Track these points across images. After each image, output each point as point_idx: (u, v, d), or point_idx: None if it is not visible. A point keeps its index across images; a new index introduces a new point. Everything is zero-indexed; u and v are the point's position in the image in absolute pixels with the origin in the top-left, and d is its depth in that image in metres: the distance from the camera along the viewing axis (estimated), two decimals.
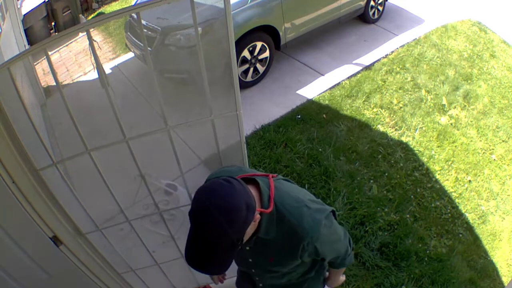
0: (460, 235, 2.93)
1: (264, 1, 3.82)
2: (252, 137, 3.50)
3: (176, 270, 2.06)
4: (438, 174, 3.34)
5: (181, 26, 3.52)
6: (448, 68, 4.51)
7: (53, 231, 1.44)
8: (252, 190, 1.03)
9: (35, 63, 4.33)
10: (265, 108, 3.87)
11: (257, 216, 1.01)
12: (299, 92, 4.08)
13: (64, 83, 4.59)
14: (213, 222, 0.90)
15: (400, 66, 4.45)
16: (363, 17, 5.09)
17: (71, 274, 1.61)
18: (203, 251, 0.93)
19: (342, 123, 3.69)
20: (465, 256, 2.80)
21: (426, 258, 2.71)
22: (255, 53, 3.95)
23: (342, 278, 1.55)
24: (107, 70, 4.57)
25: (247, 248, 1.15)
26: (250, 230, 1.02)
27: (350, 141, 3.51)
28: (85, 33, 1.10)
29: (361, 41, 4.86)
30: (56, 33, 5.65)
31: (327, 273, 1.50)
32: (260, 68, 4.12)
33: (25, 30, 4.59)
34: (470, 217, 3.08)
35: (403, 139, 3.62)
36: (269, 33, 4.00)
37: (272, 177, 1.12)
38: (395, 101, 4.00)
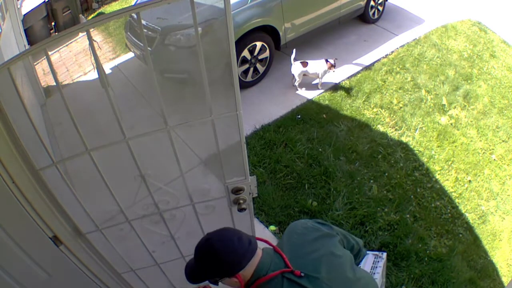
0: (460, 235, 2.93)
1: (264, 1, 3.82)
2: (252, 137, 3.50)
3: (176, 270, 2.06)
4: (438, 174, 3.34)
5: (181, 26, 3.52)
6: (448, 68, 4.51)
7: (53, 231, 1.44)
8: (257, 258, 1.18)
9: (35, 63, 4.34)
10: (265, 108, 3.87)
11: (234, 280, 1.16)
12: (299, 92, 4.08)
13: (64, 83, 4.59)
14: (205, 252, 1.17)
15: (400, 66, 4.45)
16: (363, 17, 5.09)
17: (71, 274, 1.61)
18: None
19: (342, 123, 3.69)
20: (465, 256, 2.80)
21: (426, 258, 2.71)
22: (255, 53, 3.95)
23: None
24: (107, 70, 4.57)
25: None
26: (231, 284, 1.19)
27: (350, 141, 3.52)
28: (85, 33, 1.10)
29: (361, 41, 4.86)
30: (56, 33, 5.65)
31: None
32: (260, 68, 4.12)
33: (25, 30, 4.59)
34: (470, 217, 3.08)
35: (403, 139, 3.62)
36: (269, 33, 4.00)
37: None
38: (395, 101, 4.00)
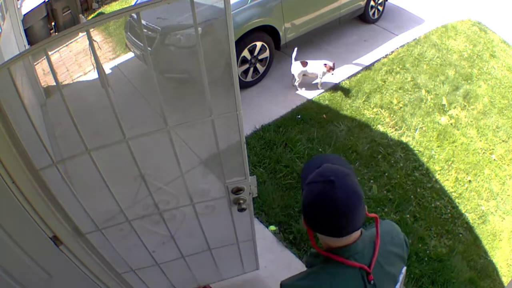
0: (460, 235, 2.93)
1: (264, 1, 3.82)
2: (252, 137, 3.50)
3: (176, 270, 2.06)
4: (438, 174, 3.34)
5: (181, 26, 3.52)
6: (448, 68, 4.51)
7: (53, 231, 1.44)
8: None
9: (35, 63, 4.33)
10: (265, 108, 3.87)
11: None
12: (299, 92, 4.08)
13: (64, 83, 4.59)
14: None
15: (400, 66, 4.45)
16: (363, 17, 5.09)
17: (71, 274, 1.61)
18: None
19: (342, 123, 3.69)
20: (465, 256, 2.80)
21: (426, 258, 2.71)
22: (255, 53, 3.95)
23: None
24: (107, 70, 4.57)
25: None
26: None
27: (350, 141, 3.52)
28: (85, 33, 1.10)
29: (361, 41, 4.86)
30: (56, 33, 5.65)
31: None
32: (260, 68, 4.12)
33: (25, 30, 4.59)
34: (470, 217, 3.08)
35: (403, 139, 3.62)
36: (269, 33, 4.00)
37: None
38: (395, 101, 4.00)
